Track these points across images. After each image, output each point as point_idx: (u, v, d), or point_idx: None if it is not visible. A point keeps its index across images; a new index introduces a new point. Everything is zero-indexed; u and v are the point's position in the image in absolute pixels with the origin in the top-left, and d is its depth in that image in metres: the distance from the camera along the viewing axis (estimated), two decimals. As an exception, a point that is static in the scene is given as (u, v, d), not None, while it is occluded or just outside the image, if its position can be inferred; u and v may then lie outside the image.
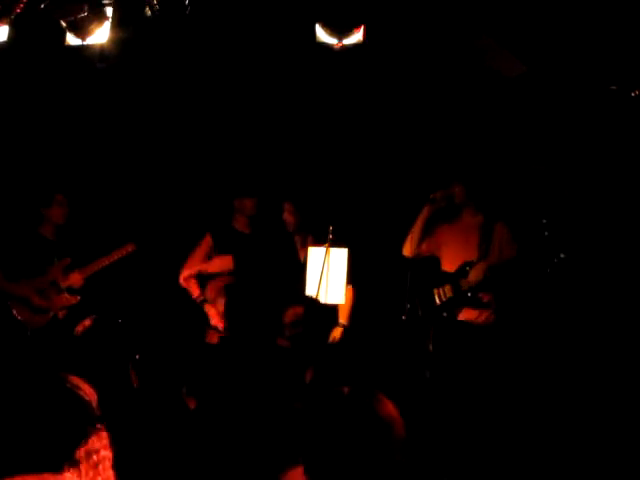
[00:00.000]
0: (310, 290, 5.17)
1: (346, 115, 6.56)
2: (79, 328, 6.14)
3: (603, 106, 5.48)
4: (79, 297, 6.22)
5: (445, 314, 5.62)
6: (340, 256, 5.18)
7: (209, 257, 6.21)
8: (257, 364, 5.65)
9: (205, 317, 6.06)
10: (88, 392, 2.38)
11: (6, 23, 5.31)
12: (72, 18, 5.19)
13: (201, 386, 5.06)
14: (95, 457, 2.34)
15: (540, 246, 5.22)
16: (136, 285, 6.58)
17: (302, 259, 5.91)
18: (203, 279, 6.15)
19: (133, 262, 6.35)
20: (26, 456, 2.23)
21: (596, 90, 5.36)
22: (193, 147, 6.87)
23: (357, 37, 5.18)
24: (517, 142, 6.13)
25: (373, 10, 5.18)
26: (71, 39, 5.30)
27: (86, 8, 5.18)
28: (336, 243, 5.17)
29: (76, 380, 2.38)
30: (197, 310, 6.10)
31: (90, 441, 2.36)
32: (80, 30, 5.24)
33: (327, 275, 5.12)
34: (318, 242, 5.29)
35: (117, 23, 5.25)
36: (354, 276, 5.41)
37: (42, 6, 5.15)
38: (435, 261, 5.82)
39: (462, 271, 5.61)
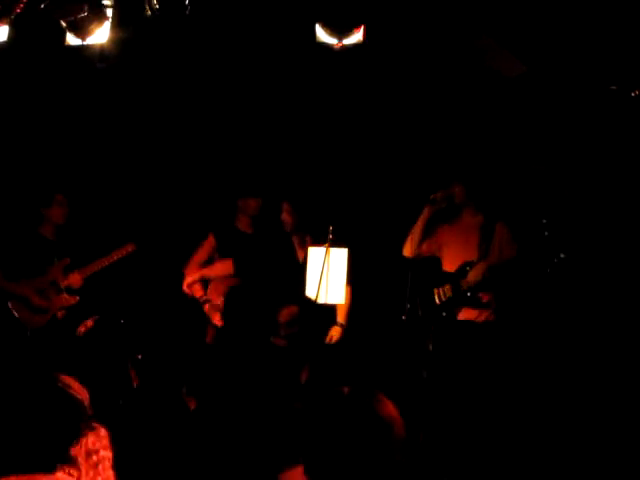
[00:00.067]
0: (310, 290, 5.17)
1: (346, 115, 6.56)
2: (81, 329, 6.16)
3: (603, 106, 5.47)
4: (78, 297, 6.22)
5: (445, 314, 5.62)
6: (340, 256, 5.18)
7: (211, 257, 6.21)
8: (252, 363, 5.67)
9: (206, 317, 6.06)
10: (79, 391, 2.38)
11: (6, 23, 5.31)
12: (72, 18, 5.19)
13: (201, 386, 5.07)
14: (95, 457, 2.34)
15: (540, 246, 5.22)
16: (137, 285, 6.58)
17: (300, 259, 5.92)
18: (206, 280, 6.16)
19: (134, 262, 6.35)
20: (18, 456, 2.23)
21: (596, 90, 5.35)
22: (195, 147, 6.88)
23: (357, 37, 5.17)
24: (517, 142, 6.12)
25: (373, 10, 5.18)
26: (71, 39, 5.29)
27: (86, 8, 5.17)
28: (336, 243, 5.17)
29: (67, 379, 2.38)
30: (198, 310, 6.10)
31: (87, 440, 2.36)
32: (80, 30, 5.24)
33: (327, 275, 5.12)
34: (317, 242, 5.30)
35: (117, 23, 5.25)
36: (352, 276, 5.41)
37: (42, 6, 5.15)
38: (435, 261, 5.82)
39: (462, 271, 5.62)
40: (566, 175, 5.91)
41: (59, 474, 2.25)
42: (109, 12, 5.25)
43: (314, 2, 5.21)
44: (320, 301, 5.13)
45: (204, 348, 6.03)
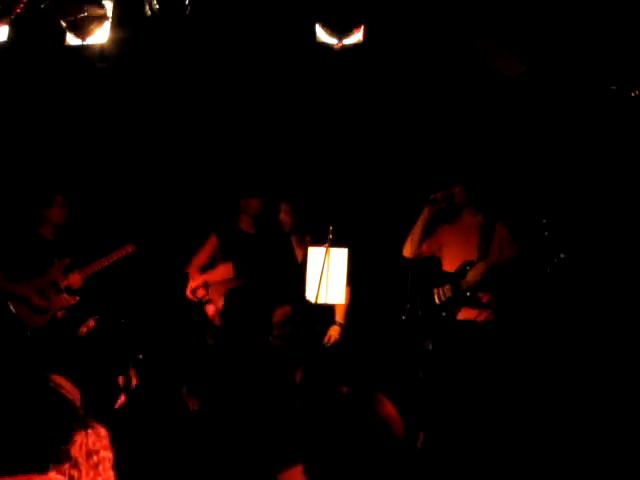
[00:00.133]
0: (310, 290, 5.18)
1: (346, 115, 6.55)
2: (83, 329, 6.16)
3: (603, 106, 5.47)
4: (78, 298, 6.22)
5: (444, 314, 5.62)
6: (340, 256, 5.18)
7: (214, 257, 6.21)
8: (251, 363, 5.67)
9: (206, 317, 6.07)
10: (71, 391, 2.38)
11: (6, 23, 5.31)
12: (72, 18, 5.19)
13: (201, 386, 5.07)
14: (95, 457, 2.35)
15: (540, 246, 5.22)
16: (138, 285, 6.58)
17: (299, 259, 5.93)
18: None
19: (136, 262, 6.35)
20: (10, 456, 2.22)
21: (596, 90, 5.35)
22: (196, 147, 6.87)
23: (357, 37, 5.17)
24: (517, 142, 6.12)
25: (373, 10, 5.18)
26: (71, 39, 5.29)
27: (86, 8, 5.17)
28: (336, 243, 5.17)
29: (59, 379, 2.38)
30: (198, 310, 6.10)
31: (88, 441, 2.36)
32: (80, 30, 5.24)
33: (327, 275, 5.12)
34: (317, 242, 5.30)
35: (117, 23, 5.25)
36: (352, 276, 5.41)
37: (42, 6, 5.15)
38: (436, 261, 5.82)
39: (462, 271, 5.62)
40: (566, 175, 5.90)
41: (52, 474, 2.24)
42: (109, 12, 5.25)
43: (314, 2, 5.21)
44: (320, 301, 5.13)
45: (204, 348, 6.03)
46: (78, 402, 2.39)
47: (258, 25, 5.58)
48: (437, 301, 5.66)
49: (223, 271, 6.07)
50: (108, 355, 5.75)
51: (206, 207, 6.64)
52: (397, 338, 5.73)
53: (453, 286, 5.62)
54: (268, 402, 5.31)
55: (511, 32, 5.24)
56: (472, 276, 5.55)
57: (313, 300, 5.14)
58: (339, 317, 5.89)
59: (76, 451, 2.33)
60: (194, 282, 6.06)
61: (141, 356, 4.35)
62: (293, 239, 6.06)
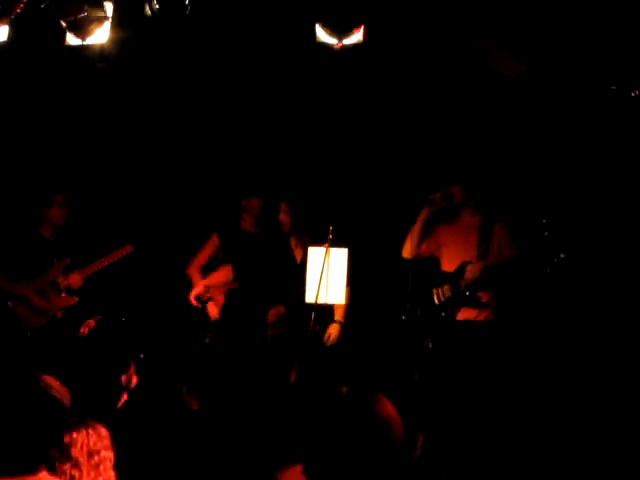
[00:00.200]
0: (310, 290, 5.18)
1: (346, 115, 6.55)
2: (84, 329, 6.16)
3: (603, 106, 5.47)
4: (77, 298, 6.22)
5: (443, 314, 5.61)
6: (340, 256, 5.19)
7: (215, 257, 6.22)
8: (250, 362, 5.68)
9: (207, 316, 6.07)
10: (61, 391, 2.38)
11: (6, 23, 5.31)
12: (72, 18, 5.19)
13: (201, 386, 5.07)
14: (96, 457, 2.35)
15: (540, 246, 5.22)
16: (139, 285, 6.58)
17: (297, 260, 5.93)
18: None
19: (137, 262, 6.35)
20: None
21: (596, 90, 5.35)
22: (196, 147, 6.87)
23: (357, 37, 5.18)
24: (517, 142, 6.12)
25: (373, 10, 5.18)
26: (71, 39, 5.30)
27: (86, 8, 5.17)
28: (336, 243, 5.17)
29: (49, 379, 2.38)
30: (199, 311, 6.11)
31: (89, 441, 2.36)
32: (80, 30, 5.24)
33: (327, 275, 5.12)
34: (317, 242, 5.30)
35: (117, 23, 5.25)
36: (351, 276, 5.41)
37: (42, 6, 5.15)
38: (435, 261, 5.82)
39: (461, 271, 5.62)
40: (566, 175, 5.90)
41: (42, 474, 2.24)
42: (109, 12, 5.25)
43: (314, 2, 5.22)
44: (320, 301, 5.13)
45: (205, 348, 6.04)
46: (67, 402, 2.38)
47: (258, 25, 5.58)
48: (436, 301, 5.65)
49: (224, 274, 6.07)
50: (109, 355, 5.75)
51: (207, 207, 6.64)
52: (397, 338, 5.73)
53: (452, 286, 5.62)
54: (265, 402, 5.32)
55: (511, 32, 5.24)
56: (470, 273, 5.55)
57: (313, 300, 5.15)
58: (338, 315, 5.90)
59: (77, 451, 2.33)
60: (197, 289, 6.06)
61: (142, 355, 4.35)
62: (292, 240, 6.07)
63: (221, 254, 6.20)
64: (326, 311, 5.71)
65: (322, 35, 5.19)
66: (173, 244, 6.52)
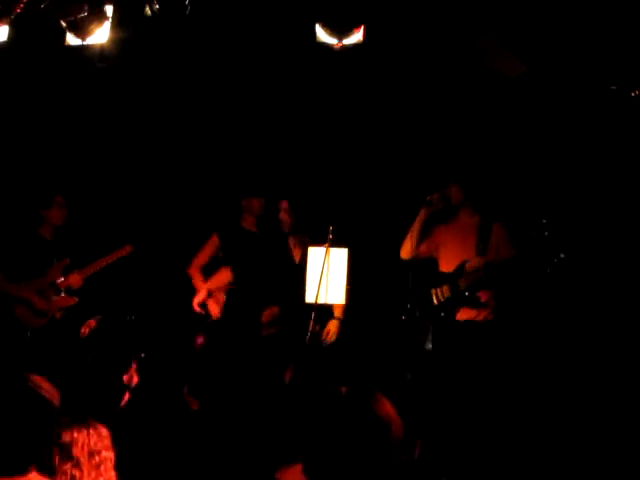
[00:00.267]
0: (310, 290, 5.18)
1: (346, 115, 6.56)
2: (85, 330, 6.16)
3: (603, 106, 5.47)
4: (77, 298, 6.22)
5: (443, 314, 5.62)
6: (340, 256, 5.19)
7: (215, 257, 6.22)
8: (249, 362, 5.68)
9: (207, 316, 6.08)
10: (50, 391, 2.37)
11: (6, 23, 5.31)
12: (72, 18, 5.19)
13: (202, 386, 5.07)
14: (97, 458, 2.35)
15: (540, 246, 5.22)
16: (140, 285, 6.58)
17: (296, 260, 5.93)
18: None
19: (137, 262, 6.35)
20: None
21: (596, 90, 5.35)
22: (196, 147, 6.88)
23: (357, 37, 5.18)
24: (516, 142, 6.12)
25: (373, 10, 5.18)
26: (71, 39, 5.30)
27: (86, 8, 5.17)
28: (336, 243, 5.17)
29: (38, 379, 2.37)
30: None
31: (90, 441, 2.36)
32: (80, 30, 5.24)
33: (327, 275, 5.12)
34: (317, 242, 5.30)
35: (117, 23, 5.25)
36: (351, 276, 5.41)
37: (42, 6, 5.15)
38: (434, 262, 5.82)
39: (460, 271, 5.62)
40: (566, 175, 5.91)
41: (32, 475, 2.24)
42: (109, 12, 5.25)
43: (314, 2, 5.22)
44: (320, 301, 5.13)
45: (200, 352, 6.04)
46: (57, 402, 2.37)
47: (258, 25, 5.58)
48: (435, 301, 5.66)
49: (225, 276, 6.08)
50: (110, 355, 5.75)
51: (207, 207, 6.64)
52: (397, 338, 5.73)
53: (451, 286, 5.62)
54: (260, 402, 5.33)
55: (511, 32, 5.24)
56: (470, 268, 5.55)
57: (313, 300, 5.15)
58: (337, 312, 5.90)
59: (78, 451, 2.33)
60: (200, 296, 6.06)
61: (143, 355, 4.35)
62: (291, 240, 6.07)
63: (221, 254, 6.21)
64: (326, 311, 5.71)
65: (322, 35, 5.19)
66: (173, 244, 6.52)
